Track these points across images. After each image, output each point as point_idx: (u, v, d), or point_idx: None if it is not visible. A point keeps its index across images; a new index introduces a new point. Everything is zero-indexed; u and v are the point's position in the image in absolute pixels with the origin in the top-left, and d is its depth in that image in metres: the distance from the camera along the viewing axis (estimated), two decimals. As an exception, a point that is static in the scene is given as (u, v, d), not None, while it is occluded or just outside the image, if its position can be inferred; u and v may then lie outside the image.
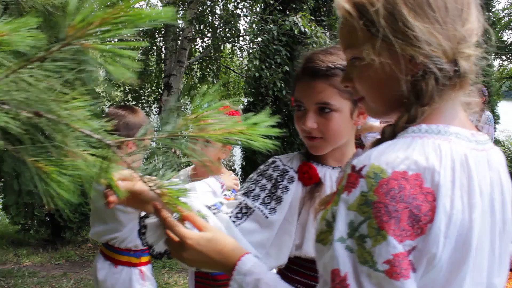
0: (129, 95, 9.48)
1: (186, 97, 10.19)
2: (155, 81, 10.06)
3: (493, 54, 11.46)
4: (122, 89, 9.48)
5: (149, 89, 9.98)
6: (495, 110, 7.52)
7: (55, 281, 4.53)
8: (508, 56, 12.66)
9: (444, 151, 0.73)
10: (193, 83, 10.13)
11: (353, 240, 0.70)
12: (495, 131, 6.76)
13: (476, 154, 0.77)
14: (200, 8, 7.98)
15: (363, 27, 0.78)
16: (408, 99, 0.78)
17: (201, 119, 0.77)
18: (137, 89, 9.46)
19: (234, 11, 8.20)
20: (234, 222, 1.20)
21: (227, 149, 2.19)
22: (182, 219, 0.93)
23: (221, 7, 8.65)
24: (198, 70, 10.09)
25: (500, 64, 13.15)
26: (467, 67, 0.77)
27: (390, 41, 0.75)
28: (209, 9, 7.87)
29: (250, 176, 1.33)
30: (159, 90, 9.52)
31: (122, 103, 8.85)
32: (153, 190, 0.81)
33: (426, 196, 0.69)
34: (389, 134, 0.79)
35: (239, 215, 1.22)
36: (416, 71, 0.76)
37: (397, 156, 0.71)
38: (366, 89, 0.84)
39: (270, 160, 1.33)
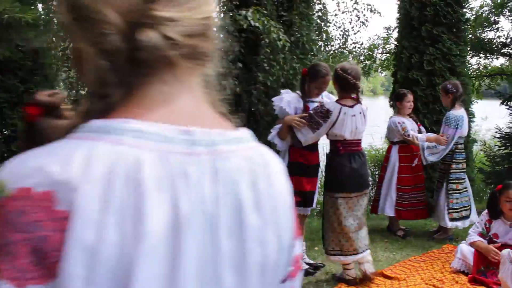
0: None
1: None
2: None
3: (470, 52, 11.29)
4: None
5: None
6: (470, 109, 7.35)
7: None
8: (486, 54, 12.48)
9: (98, 157, 0.52)
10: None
11: None
12: (469, 129, 6.51)
13: (182, 160, 0.55)
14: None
15: None
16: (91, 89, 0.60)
17: None
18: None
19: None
20: None
21: None
22: None
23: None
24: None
25: (478, 61, 12.97)
26: (157, 37, 0.56)
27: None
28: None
29: None
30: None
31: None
32: None
33: (57, 223, 0.50)
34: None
35: None
36: (83, 53, 0.58)
37: (28, 166, 0.52)
38: None
39: None
